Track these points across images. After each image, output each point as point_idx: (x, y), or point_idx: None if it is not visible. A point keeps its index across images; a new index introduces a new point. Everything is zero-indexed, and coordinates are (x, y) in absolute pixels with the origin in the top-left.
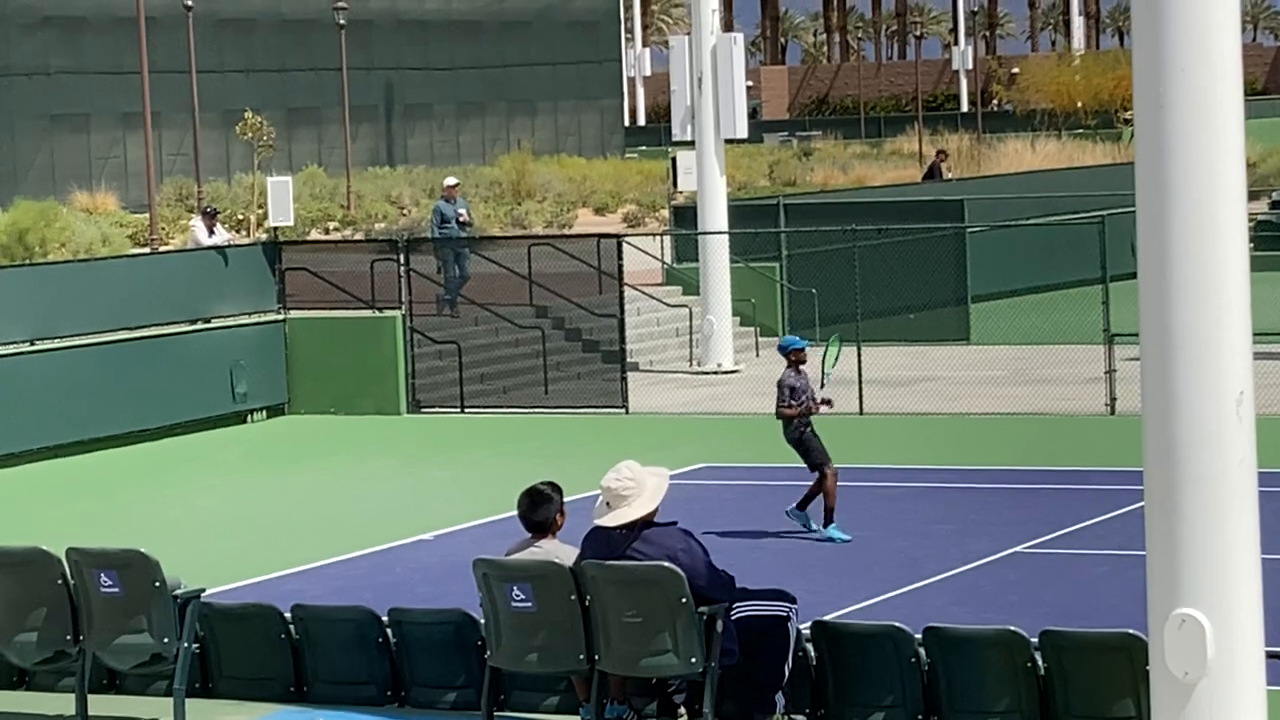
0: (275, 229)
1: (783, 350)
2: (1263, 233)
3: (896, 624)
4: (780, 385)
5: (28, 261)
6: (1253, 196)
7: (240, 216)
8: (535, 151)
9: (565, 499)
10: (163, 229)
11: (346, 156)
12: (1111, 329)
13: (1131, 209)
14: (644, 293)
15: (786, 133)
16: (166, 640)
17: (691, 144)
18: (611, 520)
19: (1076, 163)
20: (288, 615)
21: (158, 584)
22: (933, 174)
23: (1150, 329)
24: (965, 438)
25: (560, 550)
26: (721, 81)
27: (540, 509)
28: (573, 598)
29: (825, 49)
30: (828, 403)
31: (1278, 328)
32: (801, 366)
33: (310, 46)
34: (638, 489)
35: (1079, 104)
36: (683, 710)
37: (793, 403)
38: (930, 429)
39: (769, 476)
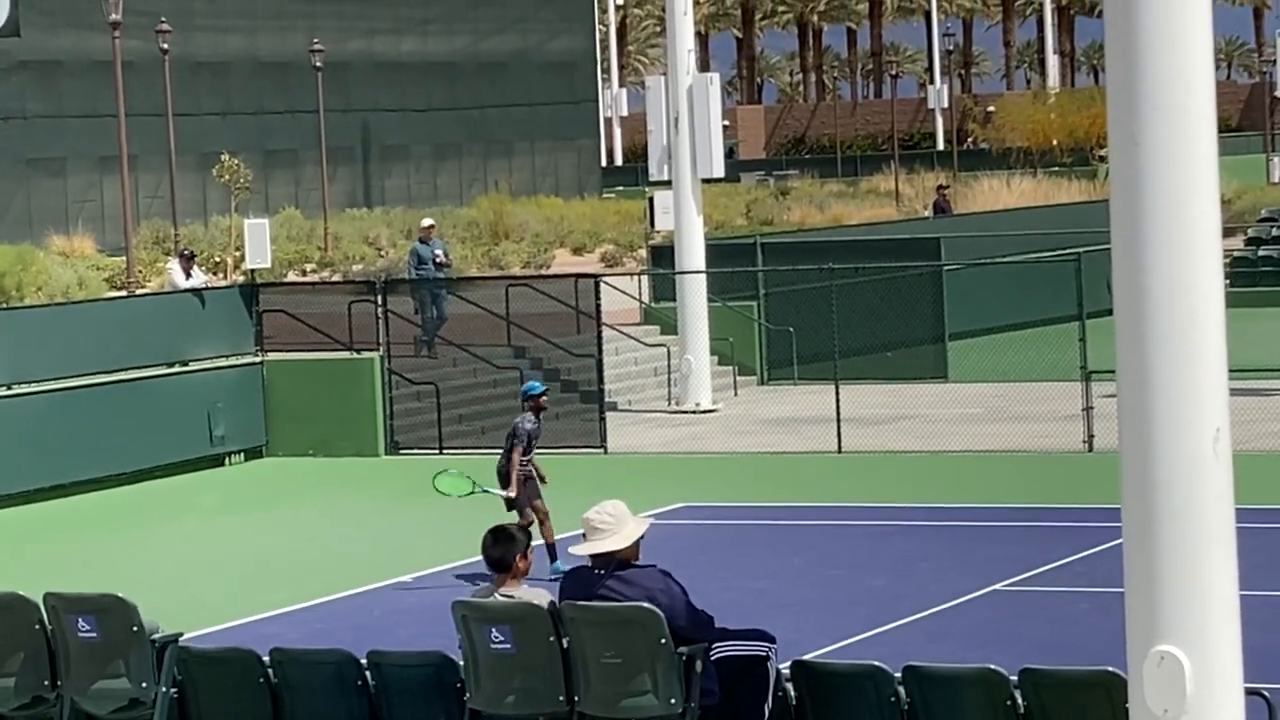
0: (252, 271)
1: (525, 395)
2: (1238, 269)
3: (876, 663)
4: (516, 431)
5: (4, 305)
6: (1228, 233)
7: (217, 259)
8: (512, 192)
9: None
10: (140, 272)
11: (324, 198)
12: (1088, 366)
13: (1107, 246)
14: (622, 332)
15: (763, 172)
16: (145, 685)
17: (668, 183)
18: (584, 549)
19: (1052, 200)
20: (266, 659)
21: (135, 628)
22: (939, 210)
23: (1127, 366)
24: (943, 475)
25: (530, 594)
26: (698, 121)
27: (500, 545)
28: (552, 639)
29: (801, 88)
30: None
31: (1254, 364)
32: (541, 413)
33: (287, 89)
34: (616, 525)
35: (1054, 142)
36: None
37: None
38: (908, 467)
39: (748, 516)
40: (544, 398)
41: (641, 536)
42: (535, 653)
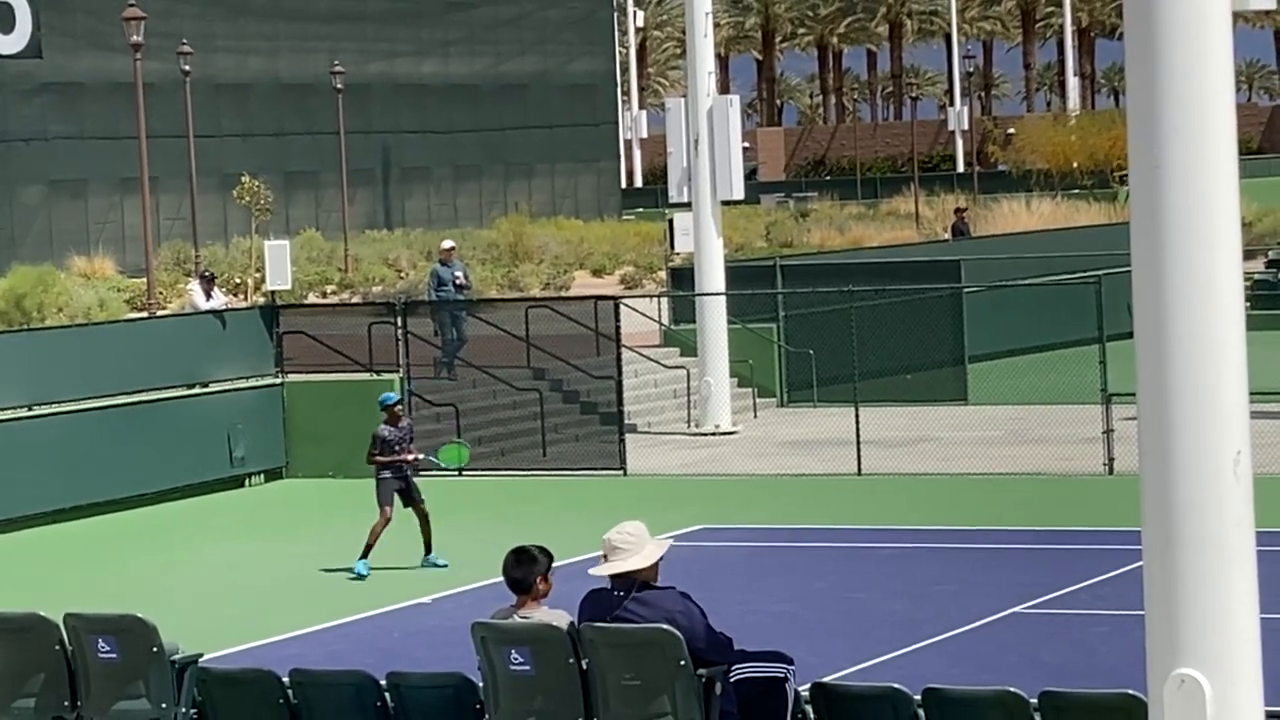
0: (273, 292)
1: (381, 405)
2: (1259, 292)
3: (895, 685)
4: (374, 437)
5: (25, 326)
6: (1249, 255)
7: (238, 280)
8: (532, 214)
9: (565, 561)
10: (160, 293)
11: (344, 220)
12: (1109, 389)
13: (1128, 268)
14: (641, 354)
15: (783, 194)
16: (164, 706)
17: (688, 205)
18: (605, 570)
19: (1072, 223)
20: (286, 680)
21: (156, 649)
22: (958, 232)
23: (1147, 389)
24: (963, 498)
25: (549, 616)
26: (718, 143)
27: (521, 566)
28: (571, 661)
29: (821, 110)
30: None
31: (1275, 387)
32: (400, 422)
33: (308, 110)
34: (636, 545)
35: (1075, 164)
36: None
37: (379, 457)
38: (928, 489)
39: (768, 538)
40: (390, 409)
41: (661, 557)
42: (554, 674)
